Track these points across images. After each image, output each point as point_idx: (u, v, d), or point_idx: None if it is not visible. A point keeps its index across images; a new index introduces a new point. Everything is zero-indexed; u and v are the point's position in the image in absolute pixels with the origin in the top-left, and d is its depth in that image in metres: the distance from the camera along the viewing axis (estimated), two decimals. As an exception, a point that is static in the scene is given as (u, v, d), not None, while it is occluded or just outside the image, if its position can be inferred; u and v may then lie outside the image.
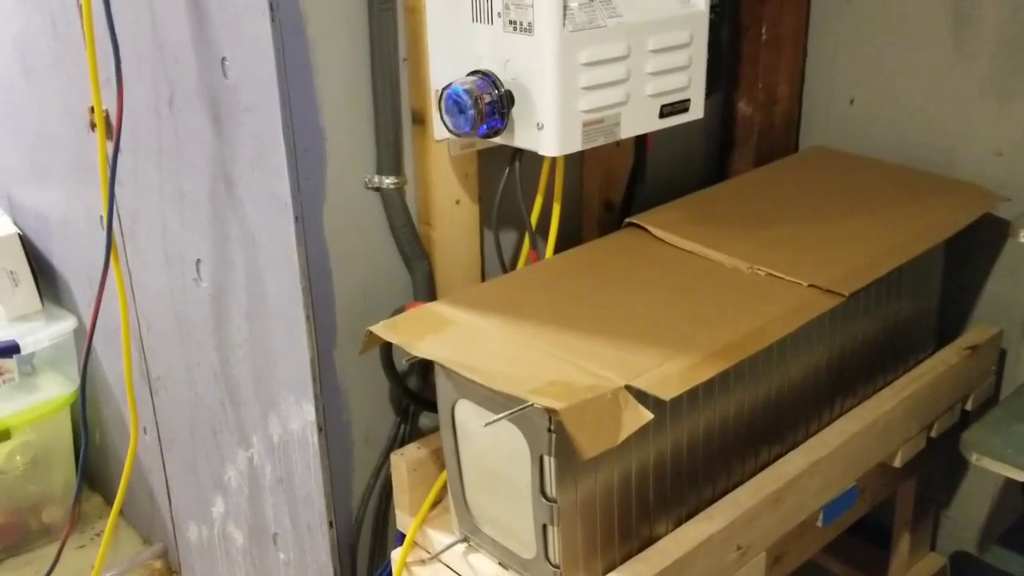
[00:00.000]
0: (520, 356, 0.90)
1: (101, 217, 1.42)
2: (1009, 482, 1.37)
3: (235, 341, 1.21)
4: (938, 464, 1.37)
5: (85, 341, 1.31)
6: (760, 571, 1.01)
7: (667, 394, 0.83)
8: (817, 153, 1.46)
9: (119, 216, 1.37)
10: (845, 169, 1.38)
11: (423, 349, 0.91)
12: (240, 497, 1.30)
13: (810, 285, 1.03)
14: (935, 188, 1.30)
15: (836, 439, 1.08)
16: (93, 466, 1.77)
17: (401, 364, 1.11)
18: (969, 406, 1.30)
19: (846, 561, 1.47)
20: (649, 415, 0.82)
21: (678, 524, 0.99)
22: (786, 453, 1.08)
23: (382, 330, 0.94)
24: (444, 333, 0.94)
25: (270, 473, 1.22)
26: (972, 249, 1.34)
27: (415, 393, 1.13)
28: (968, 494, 1.44)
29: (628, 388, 0.83)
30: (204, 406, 1.32)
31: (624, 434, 0.80)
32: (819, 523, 1.09)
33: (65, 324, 1.62)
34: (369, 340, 0.96)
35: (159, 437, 1.49)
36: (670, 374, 0.86)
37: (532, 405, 0.82)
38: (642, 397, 0.85)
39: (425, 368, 1.13)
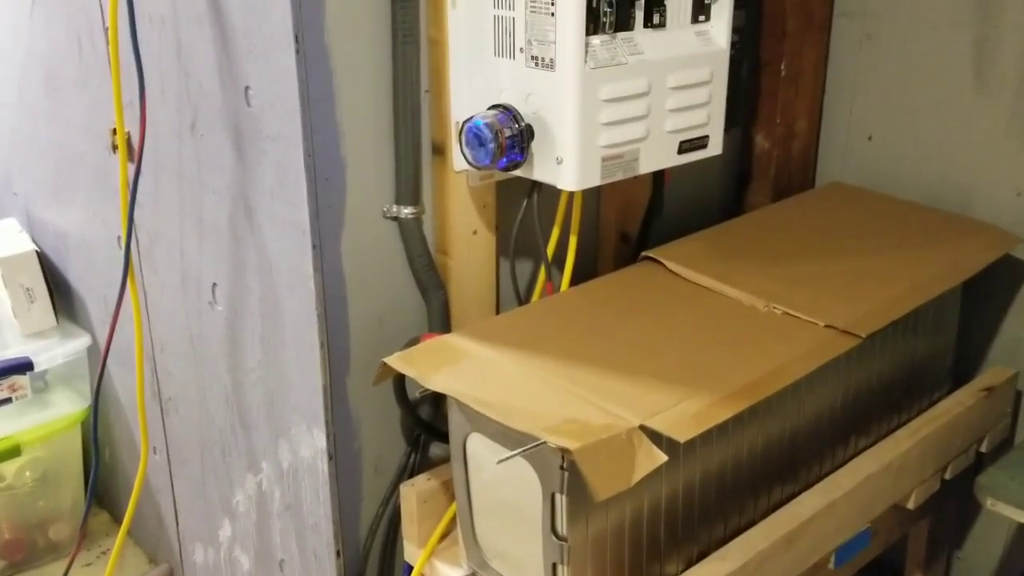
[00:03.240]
0: (535, 391, 0.90)
1: (119, 237, 1.43)
2: (1021, 528, 1.36)
3: (248, 365, 1.21)
4: (952, 506, 1.35)
5: (100, 360, 1.32)
6: (771, 614, 1.00)
7: (682, 436, 0.83)
8: (835, 189, 1.46)
9: (137, 237, 1.38)
10: (863, 206, 1.38)
11: (437, 382, 0.91)
12: (248, 522, 1.30)
13: (827, 325, 1.03)
14: (953, 228, 1.30)
15: (851, 480, 1.07)
16: (102, 484, 1.77)
17: (414, 394, 1.11)
18: (984, 448, 1.28)
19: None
20: (663, 457, 0.81)
21: (689, 563, 0.99)
22: (800, 492, 1.07)
23: (396, 362, 0.94)
24: (459, 366, 0.94)
25: (279, 499, 1.21)
26: (989, 290, 1.34)
27: (427, 423, 1.13)
28: (981, 536, 1.43)
29: (643, 428, 0.83)
30: (215, 429, 1.32)
31: (638, 476, 0.80)
32: (831, 565, 1.08)
33: (79, 342, 1.62)
34: (383, 371, 0.96)
35: (168, 458, 1.49)
36: (685, 415, 0.86)
37: (546, 443, 0.81)
38: (656, 437, 0.84)
39: (437, 398, 1.13)
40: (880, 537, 1.19)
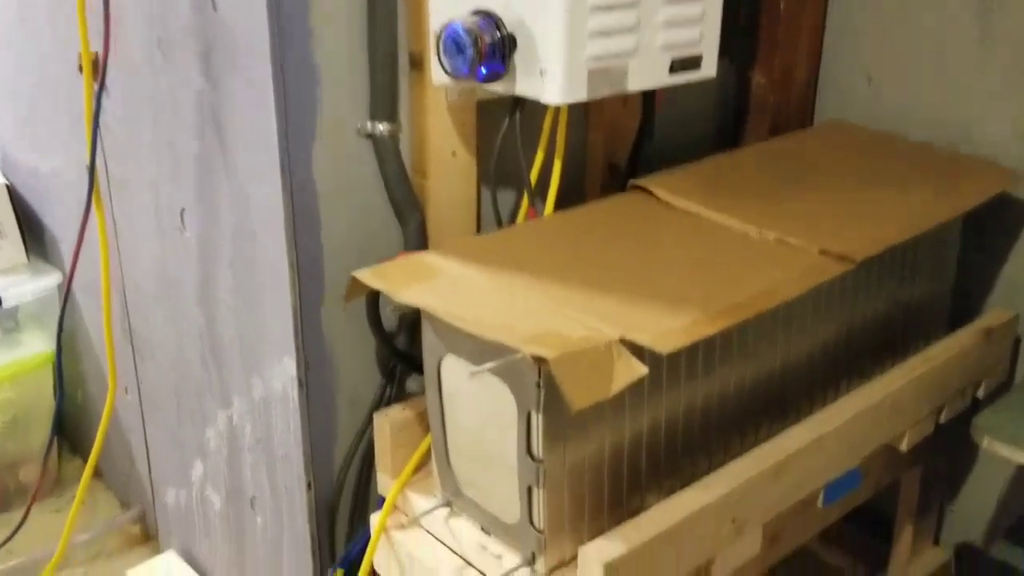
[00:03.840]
0: (512, 307, 0.85)
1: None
2: (1017, 474, 1.32)
3: (219, 295, 1.16)
4: (946, 454, 1.32)
5: (63, 291, 1.27)
6: (755, 547, 0.96)
7: (664, 348, 0.78)
8: (833, 126, 1.41)
9: (107, 166, 1.33)
10: (861, 143, 1.33)
11: (409, 296, 0.86)
12: (219, 459, 1.26)
13: (821, 251, 0.98)
14: (953, 166, 1.25)
15: (842, 415, 1.03)
16: (74, 427, 1.73)
17: (388, 322, 1.06)
18: (980, 393, 1.24)
19: (846, 552, 1.42)
20: (644, 369, 0.77)
21: (671, 494, 0.95)
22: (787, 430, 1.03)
23: (367, 276, 0.90)
24: (433, 282, 0.89)
25: (250, 433, 1.17)
26: (990, 232, 1.29)
27: (402, 352, 1.08)
28: (974, 486, 1.39)
29: (623, 341, 0.78)
30: (187, 365, 1.27)
31: (617, 387, 0.75)
32: (820, 503, 1.04)
33: (50, 279, 1.57)
34: (353, 287, 0.91)
35: (140, 398, 1.45)
36: (669, 329, 0.81)
37: (521, 355, 0.77)
38: (639, 354, 0.80)
39: (413, 327, 1.08)
40: (871, 480, 1.15)
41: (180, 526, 1.44)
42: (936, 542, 1.41)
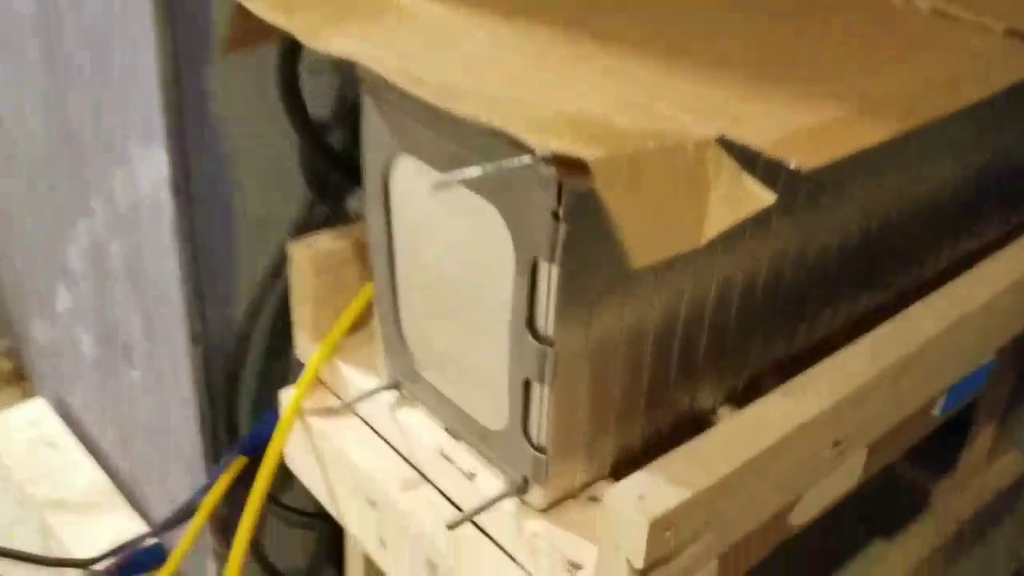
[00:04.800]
0: (517, 70, 0.48)
1: None
2: None
3: (65, 46, 0.77)
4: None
5: None
6: (855, 477, 0.64)
7: (808, 161, 0.42)
8: None
9: None
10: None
11: (335, 42, 0.49)
12: (85, 287, 0.91)
13: (1008, 30, 0.61)
14: None
15: (983, 292, 0.70)
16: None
17: (318, 109, 0.69)
18: None
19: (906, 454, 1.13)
20: (770, 196, 0.41)
21: (730, 396, 0.63)
22: (887, 304, 0.71)
23: (261, 6, 0.51)
24: (381, 22, 0.52)
25: (116, 254, 0.82)
26: None
27: (336, 151, 0.72)
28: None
29: (723, 143, 0.43)
30: (37, 148, 0.90)
31: (721, 225, 0.40)
32: (936, 410, 0.72)
33: None
34: (237, 27, 0.53)
35: (-4, 195, 1.08)
36: (801, 130, 0.45)
37: (529, 156, 0.41)
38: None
39: (355, 119, 0.71)
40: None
41: (51, 368, 1.10)
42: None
